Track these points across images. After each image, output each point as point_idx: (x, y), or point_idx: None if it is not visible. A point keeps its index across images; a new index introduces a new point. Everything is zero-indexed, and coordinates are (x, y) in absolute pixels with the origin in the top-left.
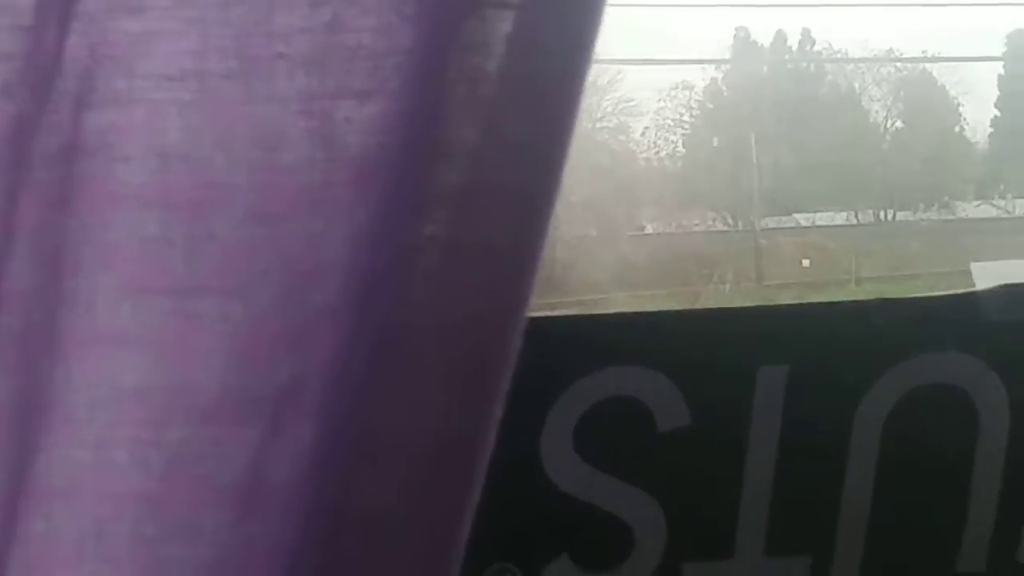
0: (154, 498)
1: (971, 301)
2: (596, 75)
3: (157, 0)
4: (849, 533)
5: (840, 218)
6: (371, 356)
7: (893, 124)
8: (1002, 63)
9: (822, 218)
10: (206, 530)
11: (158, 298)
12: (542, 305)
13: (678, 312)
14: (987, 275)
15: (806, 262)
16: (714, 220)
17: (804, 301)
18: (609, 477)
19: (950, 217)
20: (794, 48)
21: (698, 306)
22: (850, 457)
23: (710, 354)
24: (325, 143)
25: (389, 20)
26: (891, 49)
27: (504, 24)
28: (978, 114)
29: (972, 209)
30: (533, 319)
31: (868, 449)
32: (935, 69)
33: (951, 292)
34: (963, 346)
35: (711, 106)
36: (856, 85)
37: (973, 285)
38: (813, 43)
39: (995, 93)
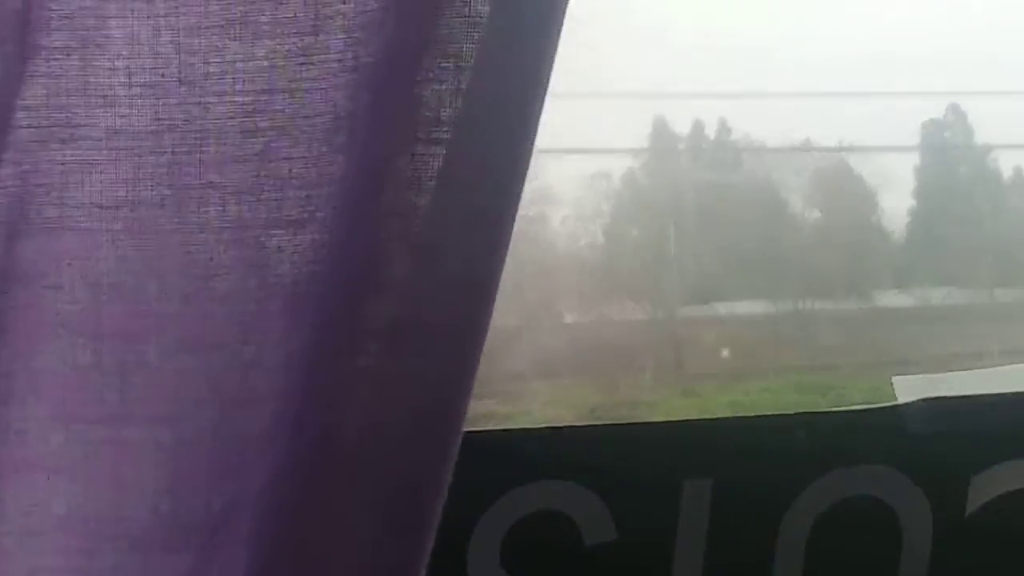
0: None
1: (893, 414)
2: None
3: (90, 131)
4: None
5: (759, 307)
6: (303, 483)
7: (811, 214)
8: (918, 152)
9: (741, 307)
10: None
11: (89, 426)
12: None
13: (603, 426)
14: (909, 389)
15: (726, 352)
16: (633, 310)
17: (728, 416)
18: None
19: (868, 306)
20: (712, 137)
21: (617, 397)
22: (776, 570)
23: (635, 468)
24: (258, 272)
25: (320, 150)
26: (808, 139)
27: (435, 160)
28: (895, 203)
29: (890, 298)
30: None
31: (793, 560)
32: (852, 159)
33: (873, 406)
34: (886, 459)
35: (629, 195)
36: (774, 175)
37: (890, 377)
38: (730, 132)
39: (912, 183)
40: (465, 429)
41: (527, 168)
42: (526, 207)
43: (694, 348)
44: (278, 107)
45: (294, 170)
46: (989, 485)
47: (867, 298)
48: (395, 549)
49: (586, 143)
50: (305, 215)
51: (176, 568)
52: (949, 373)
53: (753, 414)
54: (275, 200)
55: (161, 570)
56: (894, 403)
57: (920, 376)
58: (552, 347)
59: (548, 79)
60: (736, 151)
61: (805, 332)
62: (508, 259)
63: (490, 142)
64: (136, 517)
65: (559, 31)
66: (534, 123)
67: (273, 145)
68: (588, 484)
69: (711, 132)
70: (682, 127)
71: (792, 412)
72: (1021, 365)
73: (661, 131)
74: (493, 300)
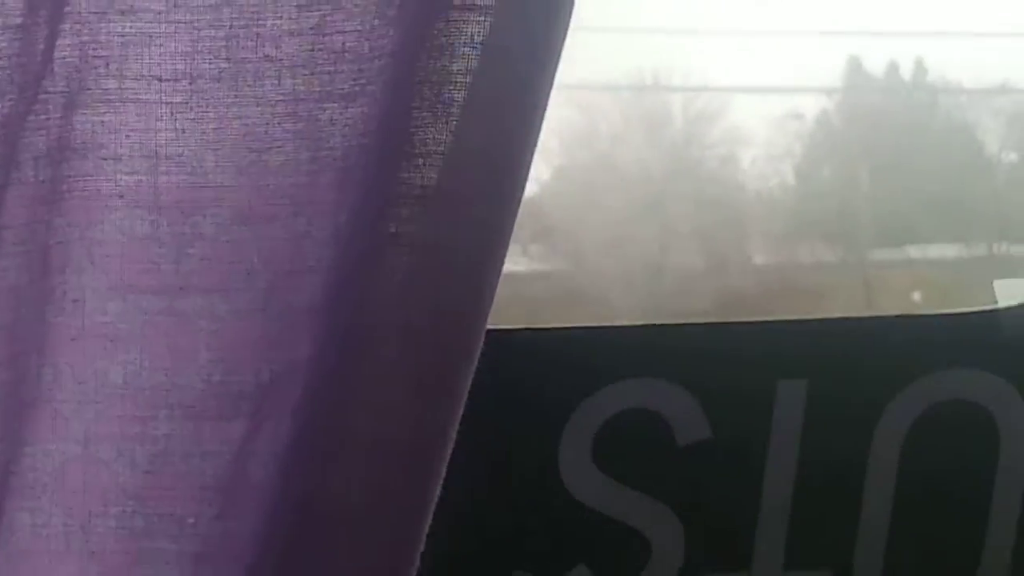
0: (140, 493)
1: (993, 318)
2: (705, 104)
3: (149, 3)
4: (868, 547)
5: (952, 251)
6: (342, 355)
7: (1008, 156)
8: None
9: (933, 251)
10: (188, 525)
11: (145, 296)
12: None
13: (697, 324)
14: (1011, 293)
15: (917, 295)
16: (824, 252)
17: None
18: (627, 489)
19: None
20: (907, 78)
21: None
22: (869, 472)
23: (730, 367)
24: (310, 144)
25: (372, 23)
26: (1006, 80)
27: (469, 27)
28: None
29: None
30: (552, 330)
31: (888, 464)
32: None
33: (973, 309)
34: (984, 364)
35: (821, 136)
36: (970, 117)
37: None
38: (926, 73)
39: None
40: (558, 326)
41: (563, 40)
42: (715, 147)
43: (885, 291)
44: None
45: (347, 44)
46: None
47: None
48: (427, 421)
49: (778, 81)
50: (356, 88)
51: (227, 436)
52: None
53: (850, 315)
54: (328, 73)
55: (212, 437)
56: (995, 306)
57: (1021, 280)
58: (741, 288)
59: None
60: (932, 92)
61: (998, 276)
62: (695, 200)
63: (527, 10)
64: (190, 385)
65: None
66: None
67: (328, 19)
68: (682, 382)
69: (906, 73)
70: (877, 67)
71: (890, 315)
72: None
73: (855, 70)
74: (526, 173)
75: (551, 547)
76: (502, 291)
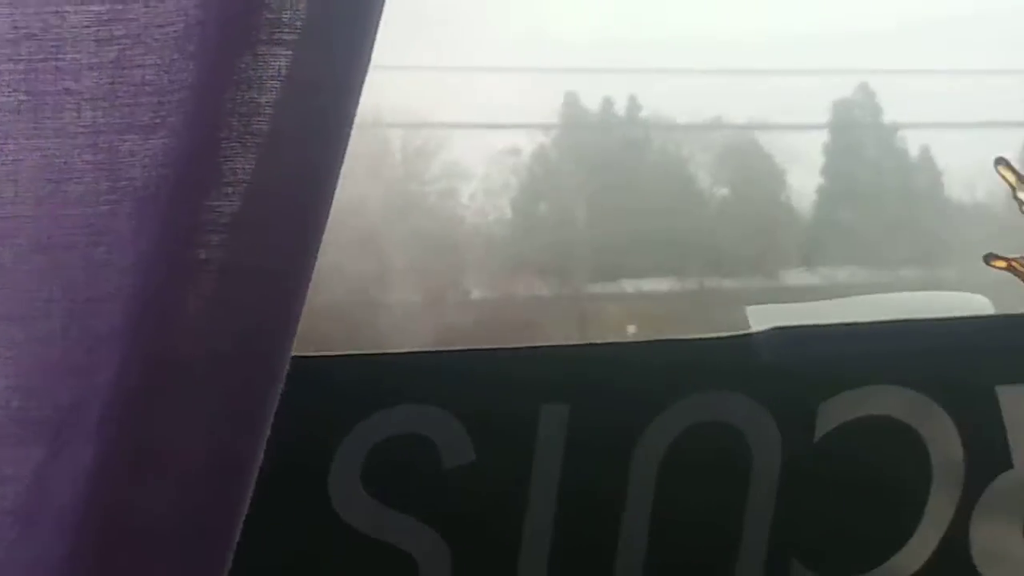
0: None
1: (745, 342)
2: (424, 139)
3: None
4: (627, 564)
5: (665, 284)
6: (147, 377)
7: (719, 191)
8: (827, 131)
9: (648, 284)
10: None
11: None
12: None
13: (463, 351)
14: (762, 318)
15: (632, 328)
16: (540, 286)
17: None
18: (396, 512)
19: (774, 284)
20: (621, 114)
21: None
22: (628, 492)
23: (494, 392)
24: (110, 175)
25: (171, 57)
26: (718, 116)
27: (277, 61)
28: (804, 182)
29: (796, 276)
30: (324, 358)
31: (647, 483)
32: (761, 136)
33: (727, 334)
34: (737, 386)
35: (539, 171)
36: (683, 152)
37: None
38: (640, 109)
39: (820, 161)
40: (327, 353)
41: (366, 72)
42: (434, 182)
43: (600, 324)
44: (132, 16)
45: (147, 77)
46: (837, 411)
47: (774, 276)
48: (233, 439)
49: (496, 118)
50: (157, 120)
51: (25, 461)
52: (801, 303)
53: (609, 341)
54: (128, 106)
55: (11, 463)
56: (747, 331)
57: (773, 305)
58: (458, 323)
59: None
60: (646, 127)
61: (710, 309)
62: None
63: (331, 45)
64: None
65: None
66: (374, 29)
67: (127, 53)
68: (448, 407)
69: (621, 108)
70: (592, 103)
71: (648, 340)
72: (871, 296)
73: (572, 107)
74: (331, 195)
75: (320, 570)
76: None
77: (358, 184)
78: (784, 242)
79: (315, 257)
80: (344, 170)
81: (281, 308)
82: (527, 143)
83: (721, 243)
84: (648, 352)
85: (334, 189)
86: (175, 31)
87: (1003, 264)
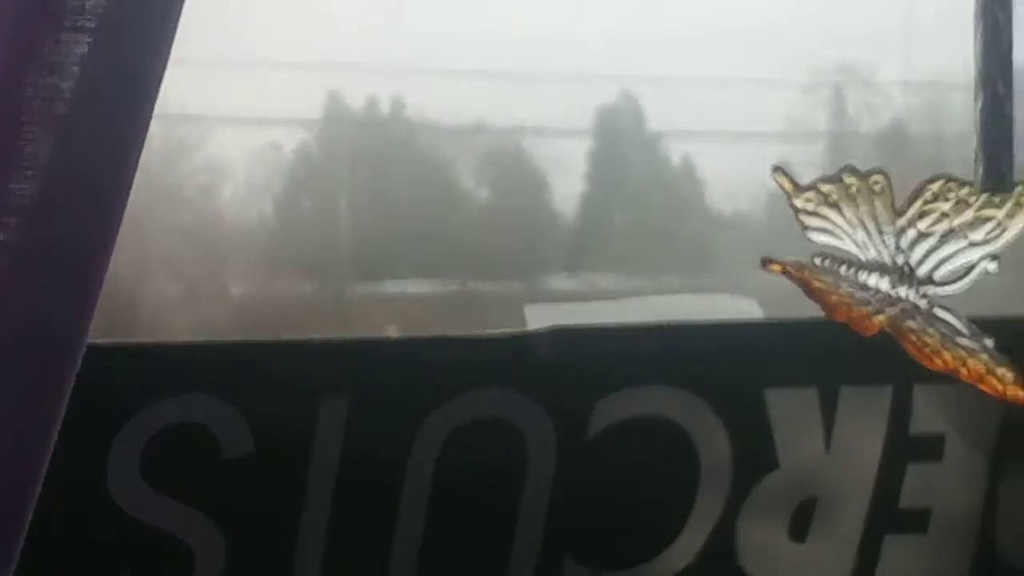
0: None
1: (523, 341)
2: (185, 133)
3: None
4: (400, 559)
5: (428, 286)
6: None
7: (482, 194)
8: (591, 136)
9: (410, 286)
10: None
11: None
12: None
13: (242, 344)
14: (539, 317)
15: (392, 329)
16: (301, 284)
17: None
18: (173, 501)
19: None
20: (385, 114)
21: None
22: (406, 486)
23: (274, 384)
24: None
25: None
26: (482, 119)
27: (79, 47)
28: (566, 187)
29: (560, 281)
30: (100, 346)
31: (423, 476)
32: (525, 141)
33: (504, 332)
34: (515, 383)
35: (301, 169)
36: (447, 153)
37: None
38: (404, 109)
39: (584, 167)
40: (108, 341)
41: (166, 60)
42: (194, 176)
43: (362, 325)
44: None
45: None
46: (610, 410)
47: (536, 281)
48: (28, 425)
49: (258, 113)
50: None
51: None
52: (578, 303)
53: (388, 336)
54: None
55: None
56: (525, 330)
57: (550, 305)
58: (216, 319)
59: None
60: (410, 128)
61: (472, 312)
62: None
63: (130, 34)
64: None
65: None
66: (175, 19)
67: None
68: (227, 398)
69: (385, 107)
70: (357, 102)
71: (427, 335)
72: (646, 298)
73: (335, 104)
74: (130, 186)
75: (98, 560)
76: None
77: None
78: (547, 247)
79: (113, 241)
80: None
81: (78, 292)
82: (289, 139)
83: (484, 246)
84: (428, 347)
85: (133, 175)
86: None
87: (779, 268)
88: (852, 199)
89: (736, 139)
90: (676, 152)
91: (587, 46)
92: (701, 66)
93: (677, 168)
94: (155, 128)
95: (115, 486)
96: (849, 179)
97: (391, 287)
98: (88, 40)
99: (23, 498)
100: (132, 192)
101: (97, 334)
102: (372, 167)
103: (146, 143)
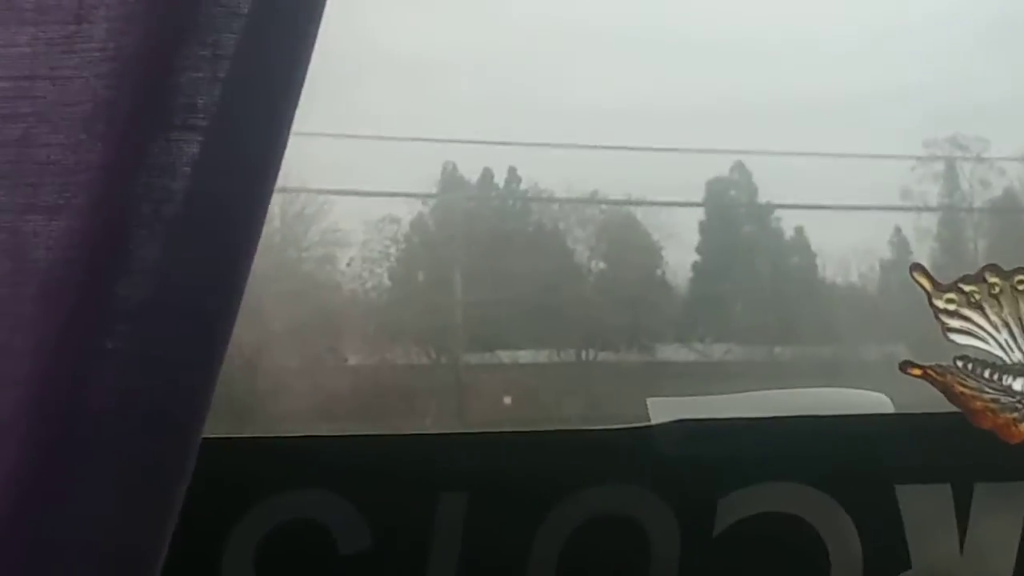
0: None
1: (646, 435)
2: (303, 205)
3: None
4: None
5: (542, 356)
6: (45, 468)
7: (596, 265)
8: (703, 208)
9: (524, 356)
10: None
11: None
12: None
13: (360, 436)
14: (663, 410)
15: (508, 399)
16: (417, 354)
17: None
18: None
19: (650, 359)
20: (500, 185)
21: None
22: None
23: (392, 479)
24: (13, 256)
25: (79, 138)
26: (595, 191)
27: (190, 146)
28: (679, 258)
29: (671, 351)
30: (216, 440)
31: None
32: (638, 212)
33: (627, 426)
34: (637, 478)
35: (417, 240)
36: (561, 225)
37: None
38: (519, 181)
39: (696, 238)
40: (223, 435)
41: (281, 159)
42: (312, 247)
43: (476, 394)
44: (39, 94)
45: (52, 156)
46: (736, 506)
47: (649, 350)
48: (135, 533)
49: (375, 186)
50: (62, 201)
51: None
52: (703, 397)
53: (509, 430)
54: (32, 186)
55: None
56: (648, 423)
57: (674, 398)
58: (334, 389)
59: (304, 75)
60: (524, 200)
61: (585, 382)
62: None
63: (245, 131)
64: None
65: (316, 30)
66: (289, 116)
67: (33, 131)
68: (344, 493)
69: (500, 180)
70: (472, 174)
71: (547, 429)
72: (772, 392)
73: (451, 177)
74: (243, 288)
75: None
76: None
77: None
78: (660, 317)
79: (225, 346)
80: None
81: (189, 397)
82: (406, 212)
83: (597, 316)
84: (549, 441)
85: (246, 278)
86: (83, 111)
87: (919, 372)
88: (995, 299)
89: (849, 212)
90: (788, 224)
91: (700, 119)
92: (813, 139)
93: (790, 240)
94: (275, 200)
95: None
96: (992, 278)
97: (506, 357)
98: (200, 139)
99: None
100: (253, 265)
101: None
102: (487, 238)
103: (267, 216)
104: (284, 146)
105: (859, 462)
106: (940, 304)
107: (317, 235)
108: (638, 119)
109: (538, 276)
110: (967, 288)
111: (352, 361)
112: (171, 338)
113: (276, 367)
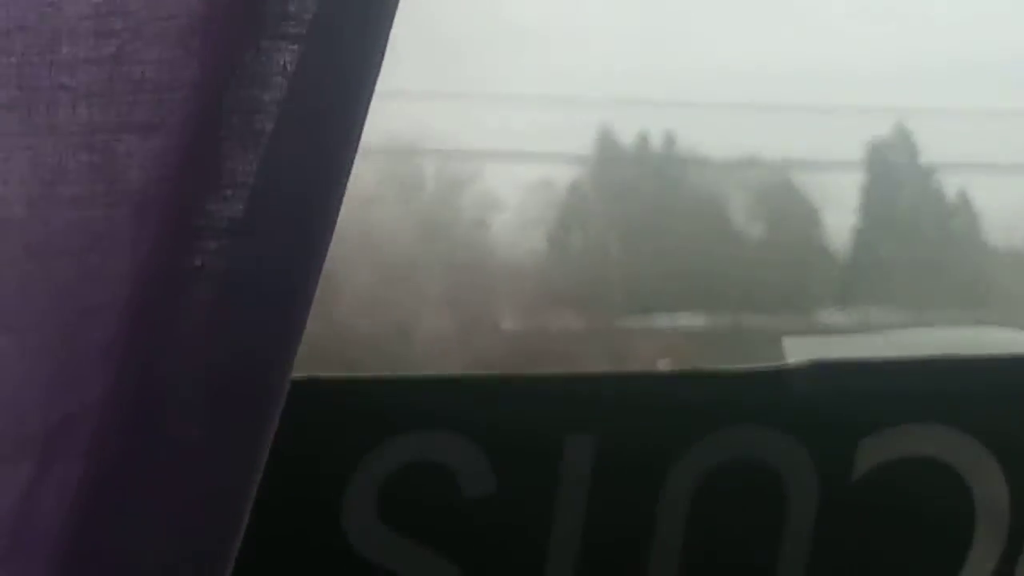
0: None
1: (782, 376)
2: (458, 169)
3: None
4: None
5: (699, 320)
6: (140, 395)
7: (754, 229)
8: (863, 170)
9: (681, 319)
10: None
11: None
12: None
13: (485, 376)
14: (799, 350)
15: (664, 362)
16: (573, 319)
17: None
18: (413, 543)
19: (809, 323)
20: (656, 149)
21: None
22: (656, 530)
23: (518, 421)
24: (106, 177)
25: (174, 53)
26: (753, 153)
27: (281, 55)
28: (839, 221)
29: (831, 315)
30: (333, 380)
31: (675, 519)
32: (797, 176)
33: (761, 366)
34: (772, 420)
35: (573, 204)
36: (718, 189)
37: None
38: (675, 145)
39: (856, 201)
40: (346, 375)
41: (378, 69)
42: (467, 211)
43: (632, 358)
44: (132, 8)
45: (147, 73)
46: (877, 449)
47: (807, 315)
48: (230, 464)
49: (530, 149)
50: (156, 120)
51: (13, 478)
52: (840, 336)
53: (638, 371)
54: (126, 104)
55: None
56: (783, 364)
57: (810, 338)
58: (489, 354)
59: None
60: (681, 164)
61: (743, 346)
62: (445, 265)
63: (341, 41)
64: None
65: None
66: (387, 23)
67: (127, 48)
68: (468, 434)
69: (656, 144)
70: (628, 137)
71: (680, 371)
72: (912, 330)
73: (606, 140)
74: (338, 208)
75: None
76: None
77: (391, 211)
78: (819, 281)
79: (319, 269)
80: (377, 196)
81: (281, 321)
82: (561, 175)
83: (755, 280)
84: (680, 384)
85: (341, 198)
86: (178, 25)
87: None
88: None
89: (1013, 172)
90: (951, 185)
91: (860, 78)
92: (976, 98)
93: (952, 201)
94: (428, 163)
95: (352, 528)
96: None
97: (662, 321)
98: (292, 48)
99: (228, 536)
100: (405, 229)
101: (371, 371)
102: (643, 202)
103: (419, 179)
104: (381, 58)
105: (1007, 405)
106: None
107: (471, 199)
108: (797, 79)
109: (695, 240)
110: None
111: (506, 326)
112: (263, 257)
113: (430, 332)
